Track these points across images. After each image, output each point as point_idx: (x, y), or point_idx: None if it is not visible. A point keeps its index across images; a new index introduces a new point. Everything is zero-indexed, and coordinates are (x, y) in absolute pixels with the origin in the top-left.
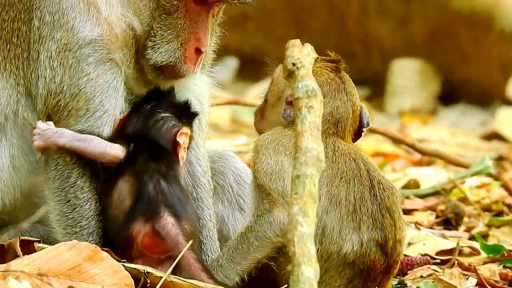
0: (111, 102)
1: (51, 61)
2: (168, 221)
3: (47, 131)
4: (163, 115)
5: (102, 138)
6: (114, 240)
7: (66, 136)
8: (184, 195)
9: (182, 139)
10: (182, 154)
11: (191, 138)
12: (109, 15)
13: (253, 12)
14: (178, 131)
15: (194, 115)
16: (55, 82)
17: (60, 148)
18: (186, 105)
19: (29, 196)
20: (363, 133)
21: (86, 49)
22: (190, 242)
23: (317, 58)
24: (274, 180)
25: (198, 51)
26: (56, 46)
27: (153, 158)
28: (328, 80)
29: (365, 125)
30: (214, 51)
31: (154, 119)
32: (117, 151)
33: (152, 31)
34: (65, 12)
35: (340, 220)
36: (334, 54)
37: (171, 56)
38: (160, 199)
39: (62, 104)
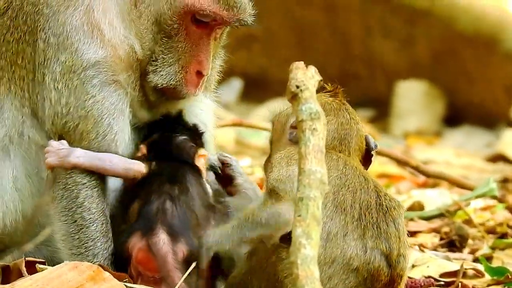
0: (119, 125)
1: (55, 83)
2: (160, 238)
3: (62, 150)
4: (182, 138)
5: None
6: (117, 255)
7: (83, 156)
8: (193, 220)
9: (201, 162)
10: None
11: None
12: (112, 37)
13: (258, 34)
14: (196, 153)
15: (204, 136)
16: (60, 103)
17: (75, 167)
18: (196, 127)
19: (31, 218)
20: (372, 158)
21: (90, 71)
22: (193, 266)
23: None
24: (283, 183)
25: (200, 74)
26: (60, 68)
27: (169, 180)
28: (328, 101)
29: (373, 148)
30: (219, 72)
31: (174, 144)
32: (140, 166)
33: (153, 55)
34: (69, 34)
35: (345, 225)
36: (330, 86)
37: (171, 79)
38: (159, 217)
39: (71, 126)
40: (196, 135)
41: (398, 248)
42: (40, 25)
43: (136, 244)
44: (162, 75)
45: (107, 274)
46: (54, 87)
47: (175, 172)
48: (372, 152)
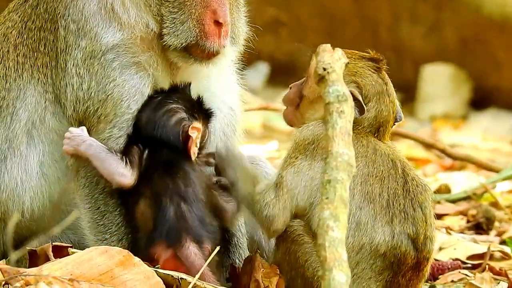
0: (139, 106)
1: (77, 69)
2: (191, 251)
3: (77, 138)
4: (173, 106)
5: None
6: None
7: (93, 150)
8: (205, 212)
9: (194, 133)
10: (194, 149)
11: (206, 136)
12: (127, 19)
13: (286, 19)
14: (190, 125)
15: (209, 112)
16: (82, 89)
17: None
18: (199, 100)
19: (58, 204)
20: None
21: (110, 55)
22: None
23: (358, 56)
24: (295, 187)
25: (218, 24)
26: (81, 54)
27: (168, 170)
28: (373, 82)
29: (398, 120)
30: (246, 29)
31: (162, 110)
32: (125, 179)
33: (163, 18)
34: (88, 20)
35: (374, 215)
36: (373, 53)
37: (189, 35)
38: (181, 225)
39: (92, 110)
40: (196, 108)
41: (424, 231)
42: (60, 12)
43: (162, 254)
44: (177, 34)
45: (137, 259)
46: (76, 73)
47: (170, 161)
48: (396, 123)
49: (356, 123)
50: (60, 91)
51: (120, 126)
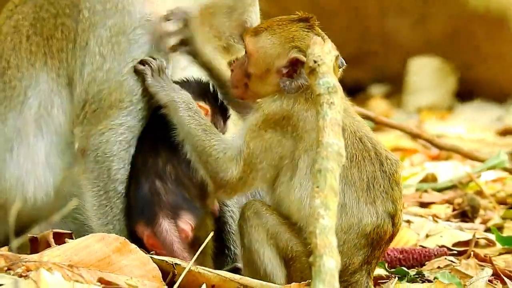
0: None
1: (101, 48)
2: (163, 228)
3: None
4: (180, 83)
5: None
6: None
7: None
8: (187, 183)
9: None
10: None
11: (217, 127)
12: None
13: (275, 11)
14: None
15: (221, 103)
16: (102, 69)
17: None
18: (214, 88)
19: (60, 193)
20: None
21: (139, 30)
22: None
23: (288, 21)
24: (257, 156)
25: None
26: (108, 32)
27: (152, 149)
28: (305, 37)
29: (340, 66)
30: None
31: None
32: None
33: None
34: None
35: (357, 198)
36: (301, 13)
37: None
38: (155, 201)
39: (106, 93)
40: (205, 90)
41: (401, 207)
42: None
43: (143, 232)
44: None
45: (133, 246)
46: (99, 51)
47: (157, 140)
48: (340, 70)
49: (309, 89)
50: (75, 72)
51: (134, 115)
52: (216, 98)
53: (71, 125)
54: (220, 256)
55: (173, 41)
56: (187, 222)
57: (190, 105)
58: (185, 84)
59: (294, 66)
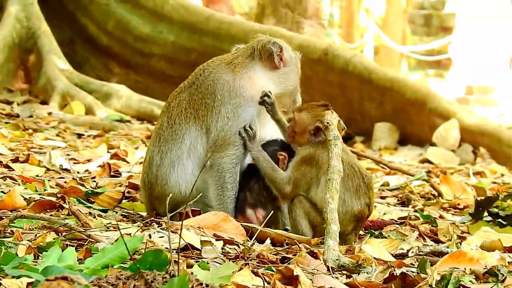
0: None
1: (227, 114)
2: (248, 214)
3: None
4: (274, 147)
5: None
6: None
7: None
8: (262, 197)
9: (281, 157)
10: (281, 166)
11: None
12: (251, 91)
13: (302, 97)
14: (279, 152)
15: (290, 148)
16: (228, 124)
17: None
18: (286, 143)
19: (197, 189)
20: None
21: (246, 105)
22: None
23: (316, 106)
24: (300, 181)
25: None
26: (231, 106)
27: (248, 176)
28: (327, 116)
29: (343, 128)
30: None
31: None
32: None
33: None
34: (236, 90)
35: (350, 196)
36: (322, 101)
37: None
38: (247, 201)
39: (227, 137)
40: (284, 145)
41: (373, 201)
42: (217, 88)
43: (239, 215)
44: None
45: (231, 218)
46: (226, 116)
47: (249, 173)
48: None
49: (325, 142)
50: (211, 125)
51: (240, 151)
52: (290, 149)
53: (206, 153)
54: (278, 223)
55: (266, 110)
56: (260, 213)
57: (266, 158)
58: (275, 141)
59: (317, 130)
